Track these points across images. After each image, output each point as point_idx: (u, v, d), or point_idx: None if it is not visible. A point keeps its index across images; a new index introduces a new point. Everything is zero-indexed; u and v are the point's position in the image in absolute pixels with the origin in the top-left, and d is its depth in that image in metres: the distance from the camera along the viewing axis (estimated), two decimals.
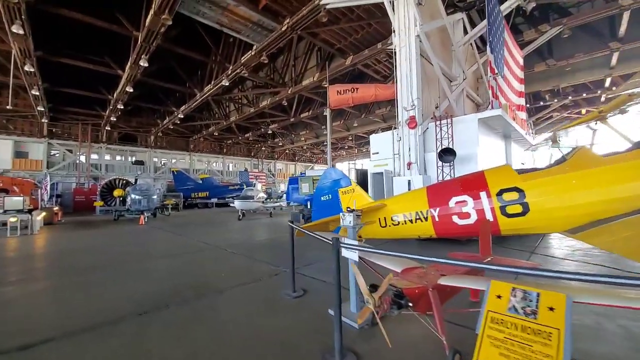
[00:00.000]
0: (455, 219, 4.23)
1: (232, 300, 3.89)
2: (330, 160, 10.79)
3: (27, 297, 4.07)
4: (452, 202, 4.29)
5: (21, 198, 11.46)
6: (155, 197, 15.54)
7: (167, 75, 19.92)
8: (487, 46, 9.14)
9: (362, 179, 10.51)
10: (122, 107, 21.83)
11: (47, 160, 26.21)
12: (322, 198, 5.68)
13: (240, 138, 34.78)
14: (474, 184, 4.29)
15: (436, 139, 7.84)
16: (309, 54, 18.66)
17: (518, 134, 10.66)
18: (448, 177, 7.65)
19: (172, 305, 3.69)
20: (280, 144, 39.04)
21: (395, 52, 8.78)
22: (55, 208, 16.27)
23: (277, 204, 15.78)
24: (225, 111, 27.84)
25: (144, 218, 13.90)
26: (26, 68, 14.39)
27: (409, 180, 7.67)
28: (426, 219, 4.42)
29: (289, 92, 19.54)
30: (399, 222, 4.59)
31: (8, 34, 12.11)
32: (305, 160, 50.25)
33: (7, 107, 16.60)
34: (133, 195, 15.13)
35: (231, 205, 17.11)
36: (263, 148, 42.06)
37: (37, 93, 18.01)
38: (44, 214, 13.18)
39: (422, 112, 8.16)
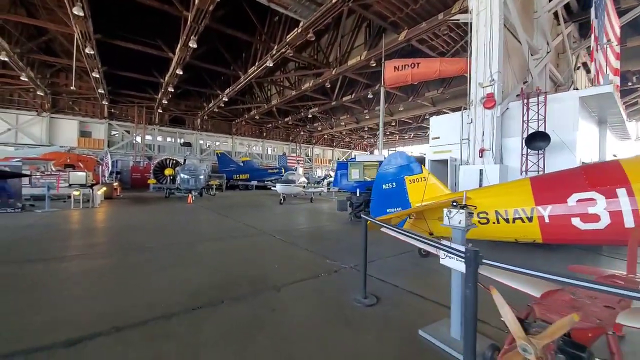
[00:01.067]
0: (576, 221, 3.22)
1: (292, 300, 3.39)
2: (382, 145, 9.82)
3: (81, 280, 3.98)
4: (571, 200, 3.26)
5: (84, 173, 12.31)
6: (202, 177, 15.99)
7: (213, 58, 20.05)
8: (592, 9, 7.31)
9: None
10: (172, 90, 22.68)
11: (108, 140, 28.63)
12: (384, 186, 4.91)
13: (280, 122, 34.75)
14: (607, 177, 3.22)
15: (523, 121, 6.49)
16: (356, 32, 17.37)
17: (616, 120, 8.69)
18: (535, 168, 6.35)
19: (227, 301, 3.29)
20: (320, 128, 38.37)
21: (470, 19, 7.39)
22: (115, 184, 17.56)
23: (318, 189, 15.32)
24: (267, 94, 27.73)
25: (192, 197, 14.34)
26: (87, 51, 15.23)
27: (481, 170, 6.54)
28: (530, 219, 3.46)
29: (333, 72, 18.56)
30: (488, 221, 3.68)
31: (70, 17, 12.75)
32: (343, 147, 49.13)
33: (72, 88, 17.93)
34: (182, 175, 15.73)
35: (272, 188, 17.06)
36: (302, 133, 41.77)
37: (97, 76, 19.23)
38: (104, 189, 14.20)
39: (501, 89, 6.81)
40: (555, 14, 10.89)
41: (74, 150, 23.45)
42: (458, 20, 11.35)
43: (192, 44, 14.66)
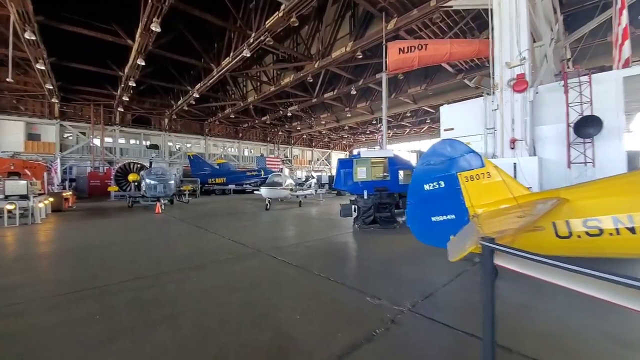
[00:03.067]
0: None
1: None
2: (386, 139, 8.63)
3: None
4: None
5: (25, 182, 9.98)
6: (172, 182, 13.98)
7: (181, 48, 17.96)
8: None
9: None
10: (134, 85, 20.18)
11: (60, 143, 25.17)
12: (427, 187, 3.72)
13: (256, 121, 32.87)
14: None
15: (568, 104, 5.60)
16: (339, 22, 16.26)
17: None
18: (581, 159, 5.47)
19: None
20: (299, 128, 36.95)
21: None
22: (67, 193, 15.02)
23: (307, 191, 13.93)
24: (243, 91, 25.86)
25: (161, 206, 12.36)
26: (27, 36, 12.72)
27: (515, 164, 5.59)
28: None
29: (316, 65, 17.31)
30: (601, 231, 2.61)
31: None
32: (323, 147, 48.08)
33: (9, 80, 15.03)
34: (148, 180, 13.62)
35: (255, 192, 15.40)
36: (280, 133, 40.08)
37: (43, 68, 16.46)
38: (51, 199, 11.81)
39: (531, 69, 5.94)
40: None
41: (19, 155, 20.21)
42: (451, 6, 10.60)
43: (155, 28, 12.74)
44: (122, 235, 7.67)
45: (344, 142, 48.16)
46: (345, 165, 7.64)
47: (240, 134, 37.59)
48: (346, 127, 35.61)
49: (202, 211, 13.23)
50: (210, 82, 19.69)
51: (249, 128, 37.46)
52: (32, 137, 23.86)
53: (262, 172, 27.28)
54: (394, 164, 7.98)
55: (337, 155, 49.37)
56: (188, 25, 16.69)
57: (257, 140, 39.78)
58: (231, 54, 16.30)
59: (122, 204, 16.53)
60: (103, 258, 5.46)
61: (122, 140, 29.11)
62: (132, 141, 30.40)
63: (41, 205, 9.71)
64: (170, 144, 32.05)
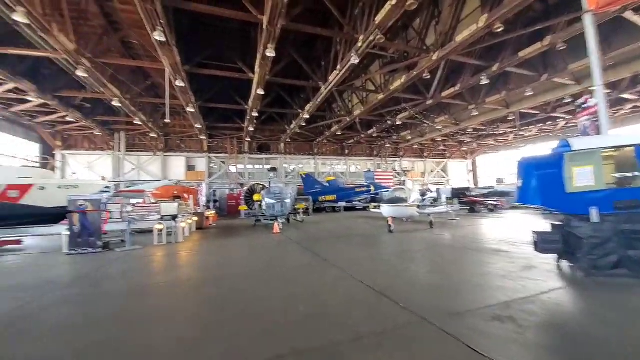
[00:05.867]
0: None
1: None
2: (606, 117, 5.09)
3: None
4: None
5: (175, 204, 11.48)
6: (288, 200, 13.96)
7: (292, 72, 18.86)
8: None
9: None
10: (256, 116, 22.55)
11: (209, 172, 30.95)
12: None
13: (362, 136, 31.80)
14: None
15: None
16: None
17: None
18: None
19: None
20: (408, 137, 33.67)
21: None
22: (209, 212, 17.27)
23: (439, 209, 11.12)
24: (348, 106, 25.34)
25: (279, 225, 12.19)
26: (177, 83, 15.57)
27: None
28: None
29: (434, 58, 14.54)
30: None
31: (158, 50, 12.84)
32: (437, 156, 42.41)
33: (166, 120, 18.93)
34: (267, 199, 14.04)
35: (371, 210, 13.64)
36: (387, 145, 37.69)
37: (193, 110, 20.23)
38: (194, 219, 13.44)
39: None
40: None
41: (181, 183, 25.53)
42: None
43: (270, 53, 13.22)
44: (239, 262, 7.20)
45: (464, 148, 41.08)
46: (543, 166, 4.45)
47: (347, 151, 37.40)
48: (469, 130, 29.92)
49: (318, 232, 12.39)
50: (318, 100, 19.81)
51: (355, 144, 36.84)
52: (190, 168, 30.37)
53: (373, 188, 25.47)
54: None
55: (455, 165, 42.57)
56: (297, 49, 17.35)
57: (363, 155, 38.73)
58: (338, 66, 15.64)
59: (249, 223, 17.92)
60: (222, 302, 4.67)
61: (249, 166, 33.54)
62: (257, 166, 34.66)
63: (183, 224, 10.85)
64: (286, 165, 34.83)
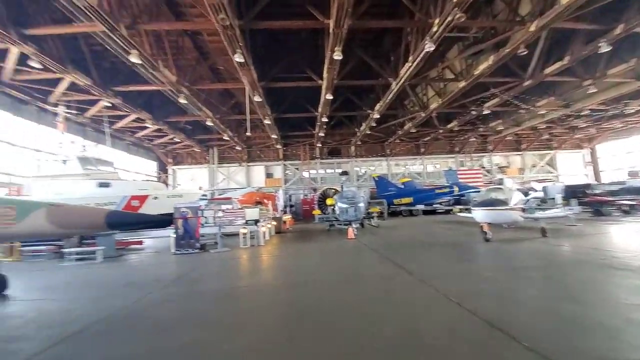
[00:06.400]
0: None
1: None
2: None
3: None
4: None
5: (257, 209, 12.31)
6: (361, 204, 13.47)
7: (359, 72, 18.38)
8: None
9: None
10: (326, 121, 22.86)
11: (285, 178, 32.95)
12: None
13: (440, 131, 28.87)
14: None
15: None
16: None
17: None
18: None
19: None
20: (500, 128, 29.06)
21: None
22: (286, 217, 18.12)
23: (554, 212, 8.82)
24: (422, 100, 23.35)
25: (353, 230, 11.80)
26: (255, 99, 16.86)
27: None
28: None
29: (532, 29, 12.03)
30: None
31: (238, 70, 14.10)
32: (538, 148, 35.32)
33: (247, 134, 20.73)
34: (340, 204, 13.83)
35: (457, 213, 12.00)
36: (472, 139, 33.30)
37: (269, 122, 21.74)
38: (273, 223, 14.19)
39: None
40: None
41: (261, 189, 27.78)
42: None
43: (337, 56, 13.06)
44: (316, 269, 7.05)
45: (579, 135, 33.06)
46: None
47: (422, 149, 34.60)
48: (585, 112, 23.91)
49: (396, 238, 11.55)
50: (389, 98, 18.80)
51: (432, 141, 33.78)
52: (268, 175, 32.89)
53: (456, 188, 22.73)
54: None
55: (566, 157, 34.81)
56: (364, 48, 16.90)
57: (442, 152, 35.20)
58: (410, 58, 14.44)
59: (323, 227, 18.09)
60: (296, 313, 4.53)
61: (321, 171, 34.35)
62: (328, 170, 35.25)
63: (264, 229, 11.48)
64: (357, 168, 34.36)
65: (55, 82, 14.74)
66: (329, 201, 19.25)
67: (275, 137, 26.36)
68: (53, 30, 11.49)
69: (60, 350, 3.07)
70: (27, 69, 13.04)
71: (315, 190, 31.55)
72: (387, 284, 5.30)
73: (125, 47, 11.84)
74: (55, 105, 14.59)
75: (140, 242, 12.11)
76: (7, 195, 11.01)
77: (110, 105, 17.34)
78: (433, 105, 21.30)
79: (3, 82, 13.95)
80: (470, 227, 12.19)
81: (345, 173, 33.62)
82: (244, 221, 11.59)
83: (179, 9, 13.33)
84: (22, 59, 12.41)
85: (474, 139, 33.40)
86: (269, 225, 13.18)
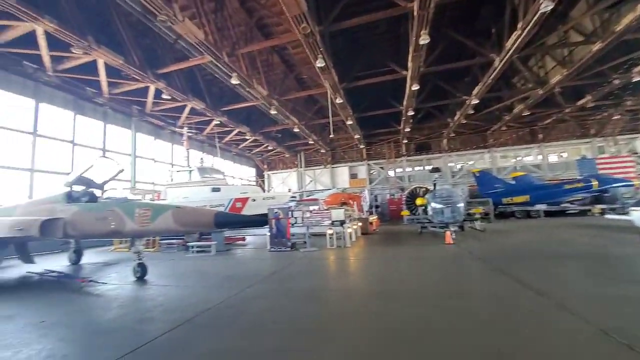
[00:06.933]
0: None
1: None
2: None
3: None
4: None
5: (342, 210, 12.24)
6: (460, 205, 11.72)
7: (450, 55, 16.29)
8: None
9: None
10: (412, 114, 21.22)
11: (369, 178, 32.29)
12: None
13: (565, 110, 22.87)
14: None
15: None
16: None
17: None
18: None
19: None
20: None
21: None
22: (372, 218, 17.55)
23: None
24: (538, 74, 18.96)
25: (451, 234, 10.34)
26: (337, 101, 16.97)
27: None
28: None
29: None
30: None
31: (320, 76, 14.43)
32: None
33: (330, 136, 21.03)
34: (433, 204, 12.37)
35: (606, 216, 8.98)
36: (616, 117, 25.20)
37: (351, 122, 21.62)
38: (359, 224, 13.87)
39: None
40: None
41: (346, 190, 27.97)
42: None
43: (424, 40, 11.85)
44: (409, 277, 6.31)
45: None
46: None
47: (541, 135, 28.16)
48: None
49: (510, 245, 9.50)
50: (490, 78, 15.99)
51: (554, 124, 27.14)
52: (352, 176, 32.84)
53: (595, 183, 17.51)
54: None
55: None
56: (455, 27, 14.98)
57: (569, 137, 27.83)
58: (519, 25, 11.85)
59: (413, 229, 16.72)
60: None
61: (409, 169, 32.18)
62: (417, 168, 32.77)
63: (350, 230, 11.27)
64: (451, 164, 30.71)
65: (180, 109, 18.39)
66: (418, 201, 17.66)
67: (358, 137, 26.10)
68: (176, 67, 14.27)
69: (175, 335, 3.51)
70: (161, 100, 16.68)
71: (402, 189, 29.75)
72: (506, 305, 4.16)
73: (228, 72, 13.71)
74: (181, 127, 18.15)
75: (243, 239, 13.75)
76: (151, 200, 14.30)
77: (219, 122, 20.50)
78: (555, 79, 16.99)
79: (146, 113, 18.27)
80: (623, 234, 9.05)
81: (436, 170, 30.42)
82: (330, 222, 11.69)
83: (268, 29, 14.60)
84: (157, 94, 15.93)
85: (619, 117, 25.12)
86: (355, 226, 12.92)
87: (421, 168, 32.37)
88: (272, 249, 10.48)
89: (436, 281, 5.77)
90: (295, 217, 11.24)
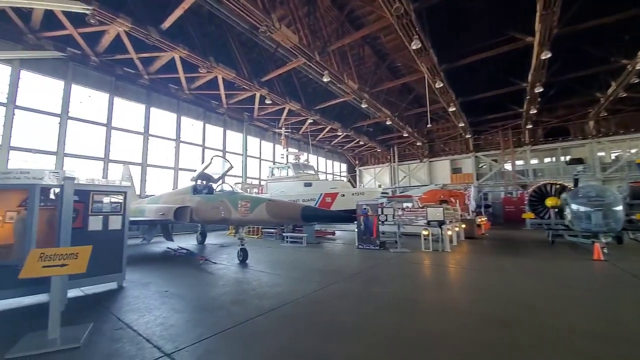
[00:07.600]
0: None
1: None
2: None
3: None
4: None
5: (440, 209, 10.80)
6: (617, 208, 8.43)
7: (597, 7, 12.10)
8: None
9: None
10: (540, 92, 16.91)
11: (477, 173, 27.84)
12: None
13: None
14: None
15: None
16: None
17: None
18: None
19: None
20: None
21: None
22: (481, 219, 14.94)
23: None
24: None
25: (602, 248, 7.58)
26: (437, 85, 15.10)
27: None
28: None
29: None
30: None
31: (416, 60, 13.08)
32: None
33: (428, 126, 18.95)
34: (575, 206, 9.28)
35: None
36: None
37: (454, 109, 18.96)
38: (462, 226, 11.99)
39: None
40: None
41: (446, 186, 24.97)
42: None
43: None
44: (538, 302, 4.72)
45: None
46: None
47: None
48: None
49: None
50: None
51: None
52: (455, 170, 28.96)
53: None
54: None
55: None
56: None
57: None
58: None
59: (539, 236, 13.31)
60: None
61: (534, 161, 26.07)
62: (546, 159, 26.23)
63: (450, 232, 9.77)
64: (601, 153, 23.11)
65: (279, 112, 20.19)
66: (549, 201, 13.79)
67: (463, 125, 22.72)
68: (275, 73, 15.62)
69: (255, 324, 3.64)
70: (264, 106, 18.66)
71: (524, 186, 24.26)
72: None
73: (320, 71, 14.11)
74: (280, 128, 19.95)
75: (333, 233, 13.95)
76: (256, 193, 16.23)
77: (312, 121, 21.52)
78: None
79: (254, 118, 20.86)
80: None
81: (578, 161, 23.49)
82: (425, 221, 10.44)
83: (359, 21, 14.19)
84: (261, 100, 17.88)
85: None
86: (457, 228, 11.17)
87: (552, 159, 25.71)
88: (360, 246, 10.16)
89: (578, 312, 4.15)
90: (386, 215, 10.53)
